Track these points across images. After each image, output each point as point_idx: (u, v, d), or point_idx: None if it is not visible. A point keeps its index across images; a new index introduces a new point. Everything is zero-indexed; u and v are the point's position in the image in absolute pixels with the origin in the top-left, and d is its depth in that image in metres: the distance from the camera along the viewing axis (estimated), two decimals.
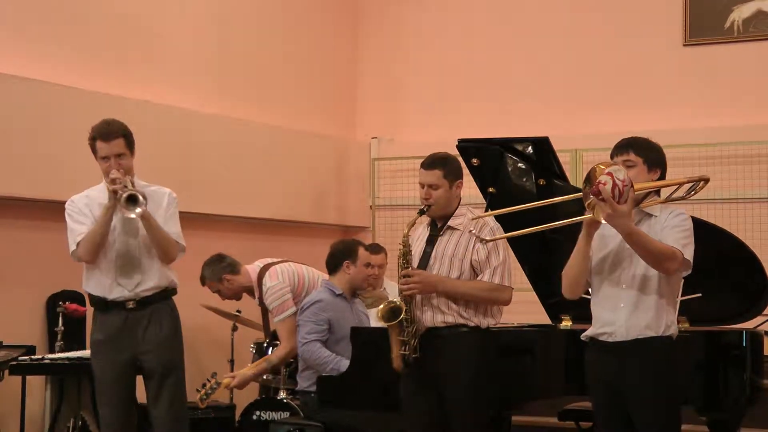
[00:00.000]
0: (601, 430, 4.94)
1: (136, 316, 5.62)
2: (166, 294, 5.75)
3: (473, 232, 5.44)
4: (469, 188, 7.33)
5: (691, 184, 4.82)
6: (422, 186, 5.56)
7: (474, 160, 6.77)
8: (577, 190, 6.96)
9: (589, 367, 4.91)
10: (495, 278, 5.45)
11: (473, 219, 5.42)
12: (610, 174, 4.46)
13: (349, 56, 10.43)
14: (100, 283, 5.64)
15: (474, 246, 5.46)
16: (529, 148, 6.74)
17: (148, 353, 5.61)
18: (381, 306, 5.50)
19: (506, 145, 6.77)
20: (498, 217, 6.67)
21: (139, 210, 5.40)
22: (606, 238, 4.78)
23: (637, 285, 4.73)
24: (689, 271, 4.77)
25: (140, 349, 5.61)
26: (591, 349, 4.89)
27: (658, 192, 4.89)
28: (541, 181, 6.70)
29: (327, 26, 10.16)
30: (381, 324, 5.55)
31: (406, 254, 5.48)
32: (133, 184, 5.51)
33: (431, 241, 5.57)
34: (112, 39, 7.87)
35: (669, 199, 4.82)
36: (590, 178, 4.52)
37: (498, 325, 5.67)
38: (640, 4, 9.41)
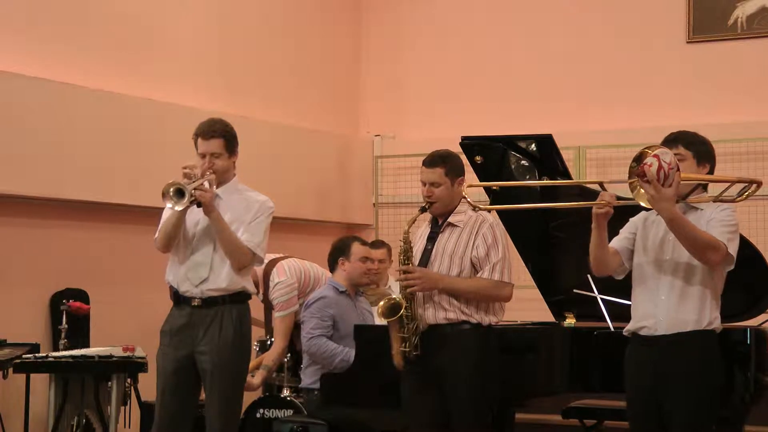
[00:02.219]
0: (633, 427, 4.87)
1: (200, 315, 5.54)
2: (236, 298, 5.62)
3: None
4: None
5: (743, 186, 4.77)
6: (424, 184, 5.55)
7: (477, 158, 6.77)
8: (581, 188, 7.02)
9: (627, 361, 4.87)
10: (494, 275, 5.44)
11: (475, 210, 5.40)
12: (656, 156, 4.43)
13: (352, 54, 10.43)
14: (175, 274, 5.62)
15: (474, 243, 5.46)
16: (533, 145, 6.74)
17: (204, 354, 5.52)
18: (381, 302, 5.50)
19: (510, 142, 6.77)
20: (500, 213, 6.70)
21: (179, 207, 5.36)
22: (649, 227, 4.75)
23: (681, 276, 4.68)
24: (732, 266, 4.71)
25: (197, 349, 5.54)
26: (632, 343, 4.86)
27: (705, 188, 4.85)
28: (545, 179, 6.70)
29: (330, 24, 10.16)
30: (384, 321, 5.55)
31: (406, 251, 5.48)
32: (211, 183, 5.49)
33: (432, 239, 5.57)
34: (116, 37, 7.87)
35: (719, 199, 4.76)
36: (639, 160, 4.48)
37: (502, 323, 5.67)
38: (643, 1, 9.40)
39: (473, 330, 5.43)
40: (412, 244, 5.53)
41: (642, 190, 4.51)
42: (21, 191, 7.09)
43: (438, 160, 5.56)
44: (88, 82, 7.48)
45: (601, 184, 4.86)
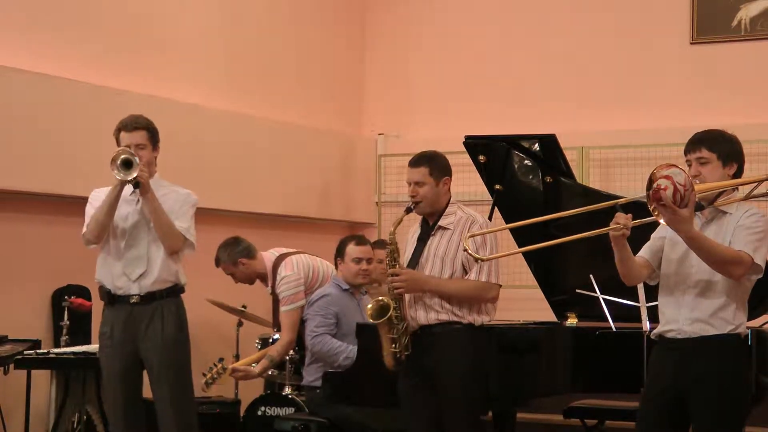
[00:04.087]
0: (644, 425, 4.81)
1: (139, 311, 5.63)
2: (172, 291, 5.74)
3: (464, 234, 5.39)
4: (473, 185, 7.37)
5: None
6: (409, 184, 5.61)
7: (481, 157, 6.78)
8: (584, 188, 7.03)
9: (651, 363, 4.84)
10: (482, 276, 5.45)
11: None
12: (669, 178, 4.34)
13: (356, 52, 10.42)
14: (107, 273, 5.68)
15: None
16: (536, 145, 6.75)
17: (149, 350, 5.61)
18: (369, 305, 5.52)
19: (513, 142, 6.78)
20: (506, 218, 6.70)
21: (133, 175, 5.43)
22: (678, 241, 4.68)
23: (706, 283, 4.63)
24: (760, 275, 4.65)
25: (142, 345, 5.62)
26: (657, 346, 4.82)
27: (736, 187, 4.77)
28: (548, 179, 6.71)
29: (334, 22, 10.16)
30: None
31: (393, 252, 5.51)
32: (148, 173, 5.55)
33: (423, 240, 5.59)
34: (119, 34, 7.87)
35: (750, 197, 4.71)
36: (651, 182, 4.38)
37: (503, 323, 5.67)
38: (647, 2, 9.39)
39: (465, 330, 5.45)
40: (398, 245, 5.55)
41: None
42: (23, 187, 7.09)
43: (422, 159, 5.63)
44: (91, 79, 7.48)
45: (615, 205, 4.77)
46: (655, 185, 4.36)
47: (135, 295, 5.63)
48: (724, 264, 4.55)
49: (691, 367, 4.64)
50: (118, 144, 5.68)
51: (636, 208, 4.71)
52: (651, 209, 4.45)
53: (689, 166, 4.73)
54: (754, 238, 4.60)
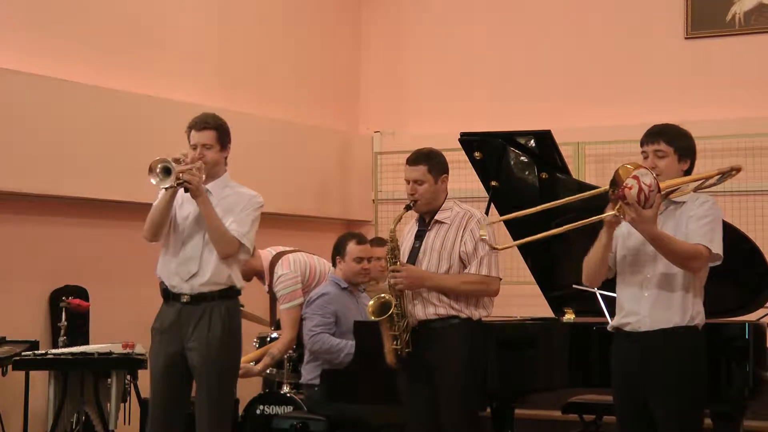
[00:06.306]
0: (620, 424, 4.88)
1: (189, 311, 5.56)
2: (225, 294, 5.63)
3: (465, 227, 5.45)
4: (469, 182, 7.36)
5: (722, 175, 4.75)
6: (408, 182, 5.61)
7: (476, 154, 6.77)
8: (580, 184, 7.03)
9: (613, 356, 4.88)
10: (482, 269, 5.46)
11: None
12: (636, 178, 4.41)
13: (352, 50, 10.43)
14: (165, 269, 5.64)
15: (462, 238, 5.49)
16: (532, 141, 6.74)
17: (193, 350, 5.54)
18: (370, 302, 5.53)
19: (509, 138, 6.77)
20: (502, 215, 6.69)
21: (163, 185, 5.38)
22: (632, 233, 4.72)
23: (660, 279, 4.68)
24: (719, 262, 4.72)
25: (187, 345, 5.56)
26: (616, 338, 4.86)
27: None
28: (544, 175, 6.71)
29: (330, 20, 10.17)
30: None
31: (393, 249, 5.52)
32: (200, 171, 5.48)
33: (420, 236, 5.61)
34: (115, 34, 7.87)
35: (700, 188, 4.76)
36: (616, 180, 4.45)
37: (501, 318, 5.68)
38: None
39: (463, 325, 5.46)
40: (399, 243, 5.56)
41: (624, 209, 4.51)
42: (20, 188, 7.10)
43: (420, 157, 5.63)
44: (87, 79, 7.49)
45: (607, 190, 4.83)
46: (622, 184, 4.41)
47: (186, 294, 5.57)
48: (684, 260, 4.62)
49: (650, 360, 4.69)
50: (189, 140, 5.65)
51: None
52: (614, 207, 4.50)
53: (645, 158, 4.78)
54: (708, 228, 4.66)
